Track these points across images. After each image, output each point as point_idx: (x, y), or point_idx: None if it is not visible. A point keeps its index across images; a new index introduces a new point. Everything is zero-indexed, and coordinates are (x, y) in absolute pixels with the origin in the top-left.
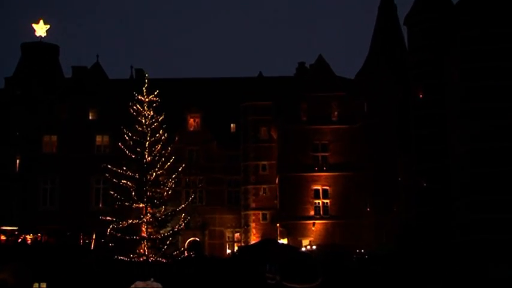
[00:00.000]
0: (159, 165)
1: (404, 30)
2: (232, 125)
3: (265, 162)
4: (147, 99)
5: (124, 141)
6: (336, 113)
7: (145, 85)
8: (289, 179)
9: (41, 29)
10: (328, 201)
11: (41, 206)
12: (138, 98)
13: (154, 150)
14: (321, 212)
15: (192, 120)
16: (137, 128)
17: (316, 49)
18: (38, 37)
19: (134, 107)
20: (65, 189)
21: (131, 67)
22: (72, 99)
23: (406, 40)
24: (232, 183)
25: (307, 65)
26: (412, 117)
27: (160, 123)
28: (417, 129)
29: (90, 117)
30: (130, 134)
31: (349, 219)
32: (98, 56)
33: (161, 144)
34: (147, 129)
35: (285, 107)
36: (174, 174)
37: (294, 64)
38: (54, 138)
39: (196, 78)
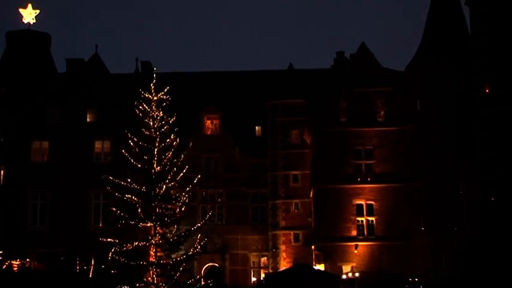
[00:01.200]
0: (170, 176)
1: (465, 11)
2: (257, 127)
3: (297, 172)
4: (155, 98)
5: (128, 148)
6: (382, 112)
7: (154, 81)
8: (326, 192)
9: (29, 15)
10: (373, 218)
11: (30, 226)
12: (144, 96)
13: (165, 159)
14: (365, 232)
15: (209, 122)
16: (144, 132)
17: (355, 38)
18: (26, 24)
19: (140, 107)
20: (58, 205)
21: (136, 60)
22: (67, 98)
23: (468, 23)
24: (257, 197)
25: (346, 55)
26: (475, 116)
27: (172, 126)
28: (482, 131)
29: (88, 120)
30: (135, 139)
31: (399, 241)
32: (96, 46)
33: (172, 151)
34: (155, 134)
35: (320, 105)
36: (188, 187)
37: (331, 54)
38: (45, 144)
39: (214, 72)
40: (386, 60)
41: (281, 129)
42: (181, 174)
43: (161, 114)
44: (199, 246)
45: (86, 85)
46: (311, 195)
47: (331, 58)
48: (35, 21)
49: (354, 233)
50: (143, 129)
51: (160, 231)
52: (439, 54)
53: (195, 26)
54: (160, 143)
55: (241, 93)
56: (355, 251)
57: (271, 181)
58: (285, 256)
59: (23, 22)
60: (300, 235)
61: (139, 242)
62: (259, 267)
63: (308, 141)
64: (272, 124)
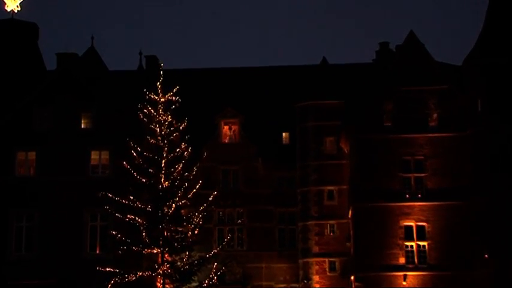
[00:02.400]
0: (181, 193)
1: None
2: (284, 134)
3: (332, 188)
4: (162, 99)
5: (131, 159)
6: (435, 115)
7: (161, 79)
8: (368, 211)
9: (12, 2)
10: (425, 243)
11: (14, 253)
12: (150, 97)
13: (174, 172)
14: (416, 260)
15: (227, 128)
16: (149, 141)
17: (400, 27)
18: (9, 13)
19: (145, 111)
20: (47, 228)
21: (140, 54)
22: (57, 100)
23: None
24: (285, 217)
25: (391, 47)
26: None
27: (182, 134)
28: None
29: (82, 126)
30: (139, 149)
31: (457, 270)
32: (93, 38)
33: (183, 163)
34: (163, 142)
35: (360, 107)
36: (203, 205)
37: (373, 46)
38: (32, 155)
39: (232, 68)
40: (437, 54)
41: (313, 135)
42: (194, 190)
43: (170, 119)
44: (215, 277)
45: (80, 84)
46: (350, 216)
47: (373, 50)
48: (19, 9)
49: (402, 260)
50: (148, 137)
51: (169, 258)
52: (505, 44)
53: (208, 14)
54: (168, 153)
55: (264, 93)
56: (404, 283)
57: (301, 198)
58: None
59: (6, 10)
60: (337, 263)
61: (144, 271)
62: None
63: (346, 150)
64: (302, 130)
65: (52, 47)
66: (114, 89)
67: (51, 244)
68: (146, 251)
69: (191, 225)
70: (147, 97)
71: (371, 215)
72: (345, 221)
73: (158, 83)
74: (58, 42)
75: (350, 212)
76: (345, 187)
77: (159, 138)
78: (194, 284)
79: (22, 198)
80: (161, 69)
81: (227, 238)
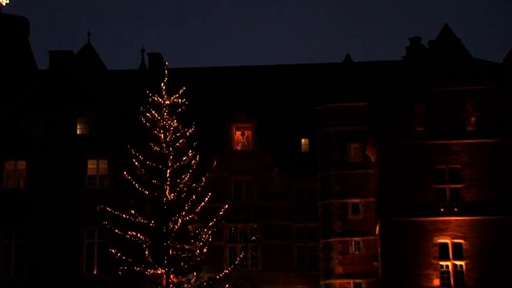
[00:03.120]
0: (188, 206)
1: None
2: (303, 140)
3: (357, 200)
4: (167, 102)
5: (132, 169)
6: (473, 118)
7: (165, 79)
8: (398, 227)
9: None
10: (462, 263)
11: (1, 274)
12: (153, 99)
13: (180, 183)
14: (452, 281)
15: (239, 133)
16: (153, 148)
17: (432, 21)
18: None
19: (148, 115)
20: (39, 246)
21: (142, 52)
22: (50, 103)
23: None
24: (304, 234)
25: (423, 43)
26: None
27: (189, 140)
28: None
29: (78, 131)
30: (141, 158)
31: None
32: (89, 34)
33: (190, 173)
34: (168, 150)
35: (388, 110)
36: (212, 220)
37: (402, 41)
38: (22, 164)
39: (244, 67)
40: (475, 50)
41: (336, 142)
42: (203, 203)
43: (175, 124)
44: None
45: (76, 85)
46: (377, 232)
47: (402, 47)
48: (8, 1)
49: (437, 282)
50: (152, 144)
51: (175, 280)
52: None
53: (218, 7)
54: (174, 162)
55: (281, 94)
56: None
57: (322, 212)
58: None
59: None
60: (363, 285)
61: None
62: None
63: (372, 158)
64: (323, 136)
65: (44, 44)
66: (114, 90)
67: (44, 264)
68: (149, 271)
69: (199, 243)
70: (150, 99)
71: (401, 231)
72: (371, 237)
73: (162, 84)
74: (51, 38)
75: (377, 228)
76: (371, 200)
77: (164, 145)
78: None
79: (11, 212)
80: (166, 68)
81: (239, 257)
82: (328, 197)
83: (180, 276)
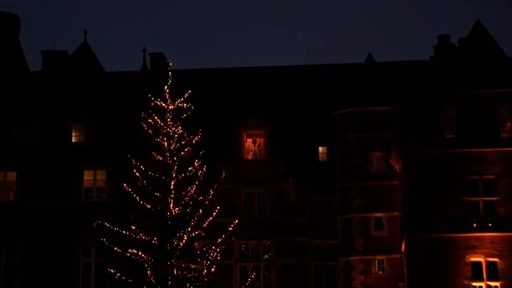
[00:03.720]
0: (194, 221)
1: None
2: (320, 148)
3: (381, 215)
4: (171, 107)
5: (132, 181)
6: (509, 124)
7: (169, 81)
8: (426, 244)
9: None
10: (497, 284)
11: None
12: (156, 104)
13: (186, 196)
14: None
15: (250, 141)
16: (155, 157)
17: (463, 17)
18: None
19: (150, 121)
20: (31, 265)
21: (143, 51)
22: (42, 108)
23: None
24: (322, 252)
25: (453, 41)
26: None
27: (196, 148)
28: None
29: (73, 139)
30: (143, 168)
31: None
32: (86, 32)
33: (197, 185)
34: (172, 159)
35: (415, 115)
36: (221, 237)
37: (430, 40)
38: (12, 176)
39: (255, 68)
40: (509, 49)
41: (357, 150)
42: (210, 218)
43: (180, 131)
44: None
45: (71, 88)
46: (403, 249)
47: (430, 45)
48: None
49: None
50: (154, 153)
51: None
52: None
53: (226, 6)
54: (179, 172)
55: (296, 98)
56: None
57: (342, 228)
58: None
59: None
60: None
61: None
62: None
63: (397, 168)
64: (343, 143)
65: (36, 43)
66: (113, 94)
67: (36, 285)
68: None
69: (207, 262)
70: (153, 104)
71: (430, 249)
72: (397, 256)
73: (166, 87)
74: (44, 37)
75: (403, 245)
76: (396, 214)
77: (168, 154)
78: None
79: (0, 228)
80: (169, 70)
81: (251, 277)
82: (348, 211)
83: None
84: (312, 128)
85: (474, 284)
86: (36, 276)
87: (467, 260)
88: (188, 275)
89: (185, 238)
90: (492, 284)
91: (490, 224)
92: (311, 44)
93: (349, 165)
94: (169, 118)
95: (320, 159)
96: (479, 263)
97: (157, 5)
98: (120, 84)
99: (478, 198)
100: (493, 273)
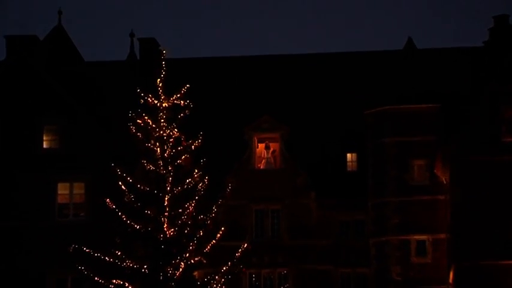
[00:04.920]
0: (193, 245)
1: None
2: (349, 155)
3: (423, 237)
4: (165, 104)
5: (117, 195)
6: None
7: (162, 73)
8: (479, 273)
9: None
10: None
11: None
12: (147, 100)
13: (183, 214)
14: None
15: (262, 146)
16: (146, 166)
17: None
18: None
19: (139, 122)
20: None
21: (131, 36)
22: (6, 107)
23: None
24: (351, 282)
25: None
26: None
27: (195, 156)
28: None
29: (45, 145)
30: (130, 180)
31: None
32: (60, 13)
33: (196, 201)
34: (166, 169)
35: (466, 114)
36: (226, 265)
37: (483, 22)
38: None
39: (268, 56)
40: None
41: (393, 157)
42: (213, 242)
43: (176, 134)
44: None
45: (42, 82)
46: (451, 280)
47: (484, 29)
48: None
49: None
50: (144, 161)
51: None
52: None
53: None
54: (174, 185)
55: (319, 94)
56: None
57: (376, 254)
58: None
59: None
60: None
61: None
62: None
63: (443, 179)
64: (376, 149)
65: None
66: (93, 89)
67: None
68: None
69: None
70: (143, 101)
71: (483, 279)
72: (443, 287)
73: (159, 80)
74: (8, 20)
75: (451, 275)
76: (442, 236)
77: (161, 163)
78: None
79: None
80: (163, 59)
81: None
82: (383, 233)
83: None
84: (338, 131)
85: None
86: None
87: None
88: None
89: (182, 266)
90: None
91: None
92: (335, 28)
93: (384, 176)
94: (162, 118)
95: (348, 169)
96: None
97: None
98: (103, 77)
99: None
100: None
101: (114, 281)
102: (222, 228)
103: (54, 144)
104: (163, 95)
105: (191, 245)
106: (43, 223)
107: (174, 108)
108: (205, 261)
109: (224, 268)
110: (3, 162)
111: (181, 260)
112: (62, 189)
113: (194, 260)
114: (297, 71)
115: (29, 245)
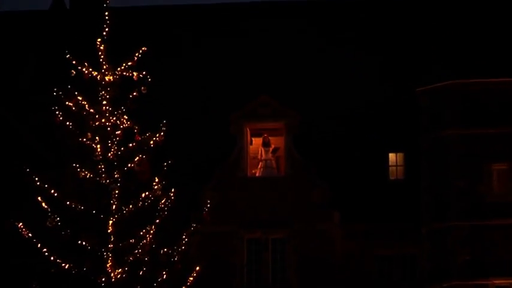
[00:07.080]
0: None
1: None
2: (391, 156)
3: (508, 282)
4: (109, 78)
5: (35, 218)
6: None
7: (105, 30)
8: None
9: None
10: None
11: None
12: (81, 71)
13: (135, 248)
14: None
15: (258, 143)
16: (78, 173)
17: None
18: None
19: (69, 104)
20: None
21: None
22: None
23: None
24: None
25: None
26: None
27: (155, 157)
28: None
29: None
30: (56, 194)
31: None
32: None
33: (156, 225)
34: (109, 177)
35: None
36: None
37: None
38: None
39: (263, 2)
40: None
41: (459, 159)
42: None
43: (127, 124)
44: None
45: None
46: None
47: None
48: None
49: None
50: (76, 165)
51: None
52: None
53: None
54: (123, 202)
55: (341, 63)
56: None
57: None
58: None
59: None
60: None
61: None
62: None
63: None
64: (436, 147)
65: None
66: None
67: None
68: None
69: None
70: (74, 72)
71: None
72: None
73: (100, 40)
74: None
75: None
76: None
77: (102, 167)
78: None
79: None
80: (106, 8)
81: None
82: (446, 276)
83: None
84: (374, 119)
85: None
86: None
87: None
88: None
89: None
90: None
91: None
92: None
93: (446, 188)
94: (105, 99)
95: (391, 176)
96: None
97: None
98: (12, 35)
99: None
100: None
101: None
102: (197, 269)
103: None
104: (107, 63)
105: None
106: None
107: (123, 84)
108: None
109: None
110: None
111: None
112: None
113: None
114: (308, 26)
115: None
